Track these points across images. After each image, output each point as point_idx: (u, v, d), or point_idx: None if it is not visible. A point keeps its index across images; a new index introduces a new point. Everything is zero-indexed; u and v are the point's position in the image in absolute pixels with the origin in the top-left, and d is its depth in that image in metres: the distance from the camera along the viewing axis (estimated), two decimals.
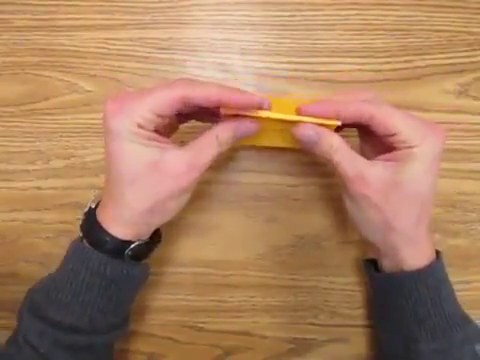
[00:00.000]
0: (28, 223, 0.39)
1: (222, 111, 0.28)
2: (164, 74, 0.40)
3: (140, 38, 0.40)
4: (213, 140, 0.29)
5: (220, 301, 0.40)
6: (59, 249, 0.39)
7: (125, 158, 0.28)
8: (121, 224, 0.30)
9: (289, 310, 0.40)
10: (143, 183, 0.28)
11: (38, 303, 0.30)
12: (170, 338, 0.40)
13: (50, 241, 0.39)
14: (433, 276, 0.31)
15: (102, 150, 0.39)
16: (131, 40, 0.40)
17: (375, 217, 0.30)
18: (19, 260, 0.39)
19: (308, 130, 0.29)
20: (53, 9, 0.40)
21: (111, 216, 0.30)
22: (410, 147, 0.29)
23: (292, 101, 0.30)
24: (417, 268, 0.30)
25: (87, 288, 0.29)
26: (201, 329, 0.40)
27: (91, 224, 0.30)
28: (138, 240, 0.31)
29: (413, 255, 0.31)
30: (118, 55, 0.40)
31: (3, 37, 0.40)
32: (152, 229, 0.32)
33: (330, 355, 0.40)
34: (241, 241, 0.40)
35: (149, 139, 0.28)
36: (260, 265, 0.40)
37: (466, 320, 0.31)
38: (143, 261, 0.32)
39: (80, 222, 0.32)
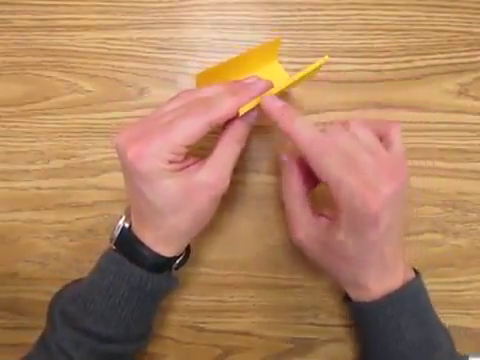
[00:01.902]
0: (28, 223, 0.39)
1: (240, 113, 0.28)
2: (164, 74, 0.40)
3: (140, 38, 0.40)
4: (232, 143, 0.30)
5: (220, 301, 0.40)
6: (59, 249, 0.39)
7: (161, 195, 0.28)
8: (166, 243, 0.30)
9: (289, 310, 0.39)
10: (183, 209, 0.28)
11: (73, 314, 0.30)
12: (170, 338, 0.40)
13: (50, 241, 0.39)
14: (392, 306, 0.30)
15: (102, 150, 0.39)
16: (131, 40, 0.40)
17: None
18: (19, 260, 0.39)
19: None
20: (53, 9, 0.40)
21: (155, 237, 0.30)
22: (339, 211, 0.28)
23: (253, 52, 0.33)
24: (374, 299, 0.30)
25: (126, 302, 0.30)
26: (201, 329, 0.40)
27: (131, 242, 0.31)
28: (180, 254, 0.32)
29: (365, 289, 0.30)
30: (118, 55, 0.40)
31: (3, 37, 0.40)
32: (190, 240, 0.32)
33: (330, 355, 0.40)
34: (241, 241, 0.39)
35: (180, 169, 0.28)
36: (260, 265, 0.39)
37: (435, 347, 0.30)
38: (170, 272, 0.33)
39: (113, 237, 0.32)
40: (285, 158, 0.32)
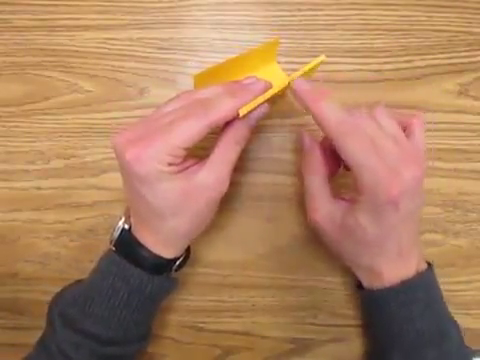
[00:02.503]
0: (28, 223, 0.39)
1: (241, 114, 0.28)
2: (164, 74, 0.40)
3: (140, 38, 0.40)
4: (231, 144, 0.29)
5: (220, 301, 0.40)
6: (59, 249, 0.39)
7: (160, 197, 0.28)
8: (166, 245, 0.30)
9: (289, 310, 0.39)
10: (182, 211, 0.28)
11: (72, 316, 0.30)
12: (170, 338, 0.40)
13: (50, 241, 0.39)
14: (405, 293, 0.30)
15: (102, 150, 0.39)
16: (131, 40, 0.40)
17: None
18: (19, 260, 0.39)
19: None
20: (53, 9, 0.40)
21: (154, 239, 0.30)
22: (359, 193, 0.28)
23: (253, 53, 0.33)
24: (387, 286, 0.30)
25: (125, 304, 0.30)
26: (201, 329, 0.40)
27: (130, 243, 0.30)
28: (180, 255, 0.32)
29: (379, 275, 0.31)
30: (118, 55, 0.40)
31: (3, 37, 0.40)
32: (191, 242, 0.32)
33: (330, 355, 0.40)
34: (241, 241, 0.39)
35: (179, 171, 0.28)
36: (260, 265, 0.39)
37: (444, 337, 0.31)
38: (170, 273, 0.33)
39: (113, 239, 0.32)
40: (307, 138, 0.33)
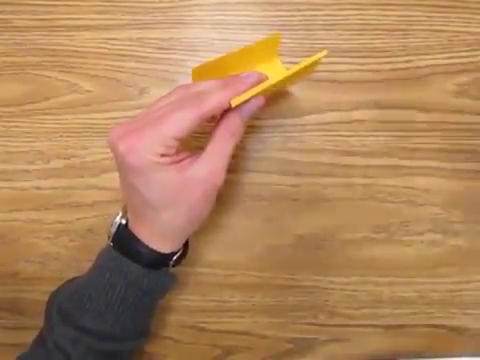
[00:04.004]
0: (28, 223, 0.39)
1: (233, 104, 0.28)
2: (164, 74, 0.40)
3: (140, 38, 0.40)
4: (226, 136, 0.29)
5: (220, 301, 0.40)
6: (59, 249, 0.39)
7: (154, 189, 0.28)
8: (162, 239, 0.30)
9: (289, 310, 0.40)
10: (177, 203, 0.28)
11: (70, 311, 0.30)
12: (171, 338, 0.40)
13: (50, 241, 0.39)
14: None
15: (102, 150, 0.39)
16: (131, 40, 0.40)
17: None
18: (19, 260, 0.39)
19: None
20: (53, 9, 0.40)
21: (150, 233, 0.30)
22: None
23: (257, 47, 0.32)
24: None
25: (122, 299, 0.30)
26: (201, 329, 0.40)
27: (127, 238, 0.31)
28: (178, 250, 0.32)
29: None
30: (118, 55, 0.40)
31: (3, 37, 0.40)
32: (188, 236, 0.32)
33: (330, 355, 0.40)
34: (241, 241, 0.40)
35: (172, 163, 0.28)
36: (260, 265, 0.40)
37: None
38: (168, 269, 0.33)
39: (110, 234, 0.32)
40: None
